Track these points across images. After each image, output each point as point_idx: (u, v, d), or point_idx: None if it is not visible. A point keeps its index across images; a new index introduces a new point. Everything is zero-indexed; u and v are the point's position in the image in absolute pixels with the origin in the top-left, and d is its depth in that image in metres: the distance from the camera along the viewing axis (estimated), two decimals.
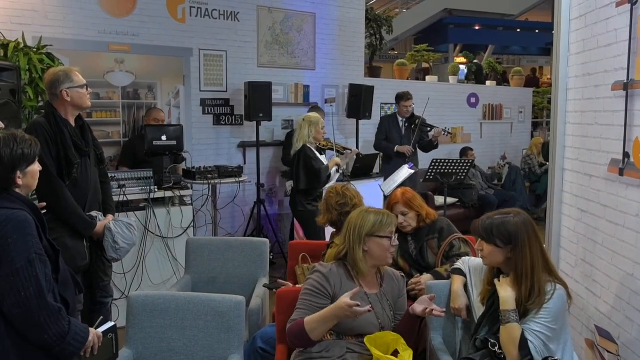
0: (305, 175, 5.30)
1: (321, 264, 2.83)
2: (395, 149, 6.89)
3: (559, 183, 4.07)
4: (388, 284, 2.87)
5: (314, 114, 5.58)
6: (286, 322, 2.78)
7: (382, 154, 7.24)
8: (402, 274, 3.04)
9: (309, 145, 5.36)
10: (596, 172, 3.48)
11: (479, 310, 2.80)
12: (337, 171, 5.61)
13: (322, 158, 5.46)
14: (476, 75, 11.24)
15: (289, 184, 6.11)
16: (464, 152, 8.96)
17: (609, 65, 3.30)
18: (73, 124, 3.54)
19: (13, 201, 2.20)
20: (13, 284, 2.07)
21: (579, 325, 3.65)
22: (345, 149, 5.97)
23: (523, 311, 2.53)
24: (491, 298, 2.68)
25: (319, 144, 5.51)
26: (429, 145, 7.18)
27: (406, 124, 7.06)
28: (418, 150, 7.19)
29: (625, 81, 3.05)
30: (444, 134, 7.13)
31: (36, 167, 2.35)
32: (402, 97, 7.01)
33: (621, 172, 3.10)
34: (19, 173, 2.24)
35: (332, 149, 5.89)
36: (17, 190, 2.26)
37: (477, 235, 2.68)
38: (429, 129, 7.06)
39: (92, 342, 2.32)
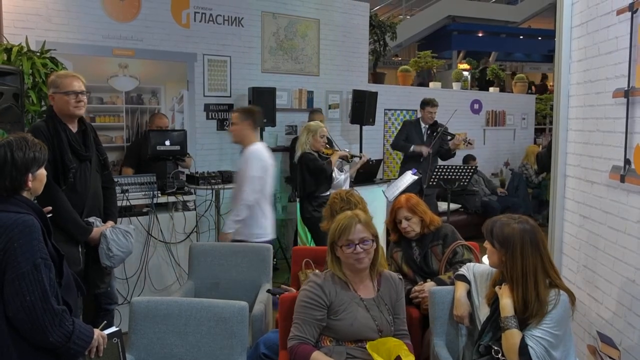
0: (310, 176, 5.33)
1: (315, 274, 2.85)
2: (412, 148, 6.84)
3: (561, 189, 4.07)
4: (385, 287, 2.86)
5: (314, 123, 5.57)
6: (289, 327, 2.79)
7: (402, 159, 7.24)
8: (400, 277, 3.03)
9: (308, 152, 5.36)
10: (598, 178, 3.49)
11: (483, 316, 2.80)
12: (341, 171, 5.62)
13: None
14: (479, 81, 11.27)
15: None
16: (466, 160, 8.97)
17: (610, 72, 3.32)
18: (74, 128, 3.54)
19: (20, 205, 2.22)
20: (18, 288, 2.09)
21: (580, 332, 3.66)
22: (353, 156, 5.94)
23: (523, 320, 2.53)
24: (495, 302, 2.69)
25: (321, 153, 5.49)
26: (447, 154, 7.14)
27: (428, 131, 7.04)
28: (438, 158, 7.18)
29: (626, 88, 3.07)
30: (464, 144, 7.11)
31: (44, 171, 2.38)
32: (428, 103, 6.96)
33: (622, 179, 3.11)
34: (30, 176, 2.28)
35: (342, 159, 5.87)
36: (25, 193, 2.29)
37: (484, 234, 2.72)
38: (449, 137, 7.02)
39: (97, 341, 2.34)
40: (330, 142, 5.92)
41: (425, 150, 6.84)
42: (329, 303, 2.71)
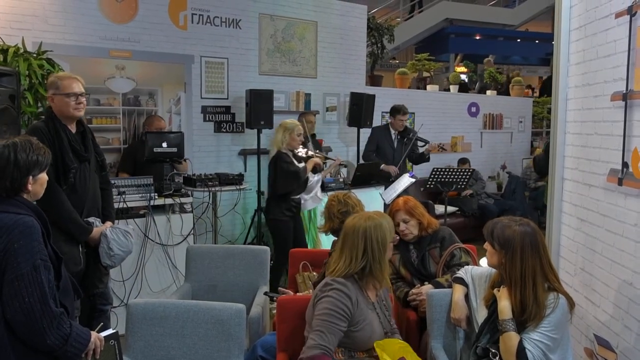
0: (282, 178, 5.21)
1: (335, 280, 2.69)
2: (382, 167, 6.84)
3: (559, 192, 4.08)
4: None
5: (290, 120, 5.47)
6: (287, 330, 2.77)
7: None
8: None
9: (284, 151, 5.27)
10: (595, 181, 3.49)
11: (480, 318, 2.80)
12: (319, 179, 5.54)
13: (301, 165, 5.36)
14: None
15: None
16: (459, 163, 8.98)
17: (608, 75, 3.32)
18: (73, 129, 3.54)
19: (20, 206, 2.22)
20: (18, 289, 2.09)
21: (577, 334, 3.66)
22: (327, 158, 5.87)
23: (521, 322, 2.53)
24: (493, 304, 2.68)
25: (296, 152, 5.40)
26: (420, 159, 7.14)
27: (398, 137, 7.04)
28: (407, 162, 7.18)
29: (624, 92, 3.07)
30: (437, 149, 7.12)
31: (45, 175, 2.39)
32: (399, 111, 6.96)
33: (620, 182, 3.12)
34: (30, 179, 2.28)
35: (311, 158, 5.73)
36: (25, 196, 2.29)
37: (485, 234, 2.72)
38: (421, 143, 7.02)
39: (94, 344, 2.33)
40: (305, 142, 5.81)
41: (393, 170, 6.80)
42: (352, 313, 2.63)
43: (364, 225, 2.72)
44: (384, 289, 2.91)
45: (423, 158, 7.12)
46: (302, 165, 5.34)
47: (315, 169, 5.52)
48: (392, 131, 7.06)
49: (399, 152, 6.95)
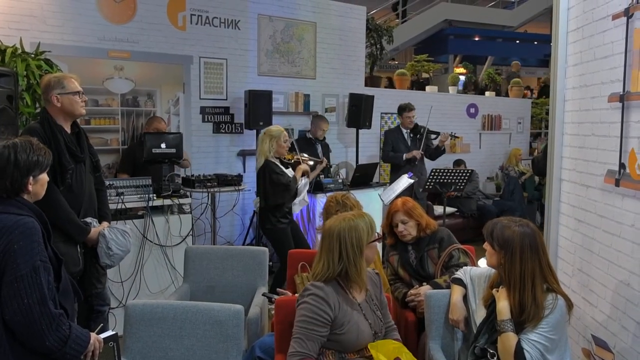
0: (274, 190, 5.08)
1: (314, 285, 2.62)
2: (404, 156, 6.89)
3: (557, 193, 4.08)
4: (370, 286, 2.79)
5: (275, 127, 5.31)
6: (285, 331, 2.77)
7: (390, 164, 7.26)
8: (377, 271, 2.97)
9: (271, 159, 5.12)
10: (593, 182, 3.49)
11: (479, 319, 2.80)
12: (307, 182, 5.48)
13: (289, 172, 5.25)
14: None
15: (256, 201, 5.82)
16: (454, 165, 8.99)
17: (606, 77, 3.33)
18: (68, 130, 3.54)
19: (20, 207, 2.23)
20: (17, 290, 2.09)
21: (575, 335, 3.66)
22: (312, 160, 5.80)
23: (520, 323, 2.53)
24: (492, 304, 2.69)
25: (284, 159, 5.29)
26: (436, 152, 7.22)
27: (411, 135, 7.09)
28: (425, 159, 7.21)
29: (621, 93, 3.08)
30: (450, 138, 7.17)
31: (45, 176, 2.39)
32: (405, 108, 7.02)
33: (617, 183, 3.12)
34: (31, 179, 2.29)
35: (299, 163, 5.55)
36: (26, 196, 2.29)
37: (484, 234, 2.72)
38: (434, 136, 7.10)
39: (93, 346, 2.33)
40: (292, 147, 5.72)
41: (417, 153, 6.87)
42: (333, 317, 2.56)
43: (339, 228, 2.62)
44: (381, 289, 2.88)
45: (439, 151, 7.19)
46: (291, 173, 5.24)
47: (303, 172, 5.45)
48: (404, 130, 7.13)
49: (414, 149, 6.97)
